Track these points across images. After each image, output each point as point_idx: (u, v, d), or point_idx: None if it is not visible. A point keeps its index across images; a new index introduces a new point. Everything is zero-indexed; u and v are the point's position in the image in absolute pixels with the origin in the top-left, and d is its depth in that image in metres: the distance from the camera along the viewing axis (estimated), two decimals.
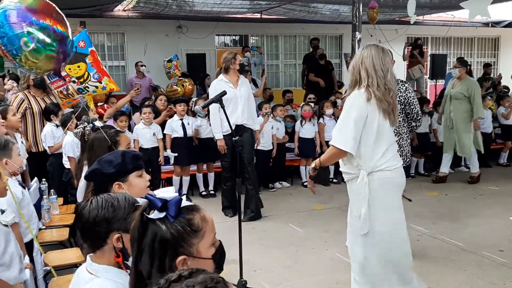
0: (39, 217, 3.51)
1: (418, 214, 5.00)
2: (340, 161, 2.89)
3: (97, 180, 2.00)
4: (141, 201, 1.27)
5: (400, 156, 3.38)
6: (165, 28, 10.57)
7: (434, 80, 10.60)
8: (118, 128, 5.34)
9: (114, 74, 9.73)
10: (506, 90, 9.89)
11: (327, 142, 6.57)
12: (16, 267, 2.28)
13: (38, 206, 3.63)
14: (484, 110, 7.53)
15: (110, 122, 5.39)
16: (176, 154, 5.87)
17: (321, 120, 6.74)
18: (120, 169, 1.94)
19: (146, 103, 6.52)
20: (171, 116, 6.10)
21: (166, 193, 1.24)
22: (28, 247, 2.84)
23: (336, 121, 6.52)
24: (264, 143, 6.18)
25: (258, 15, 10.82)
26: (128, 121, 5.88)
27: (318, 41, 9.83)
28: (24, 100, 5.07)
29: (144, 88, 8.35)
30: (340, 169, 2.95)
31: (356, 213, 2.79)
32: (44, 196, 3.83)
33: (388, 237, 2.74)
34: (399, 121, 3.65)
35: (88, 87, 4.31)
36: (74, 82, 4.24)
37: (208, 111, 6.12)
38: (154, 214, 1.22)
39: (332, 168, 6.73)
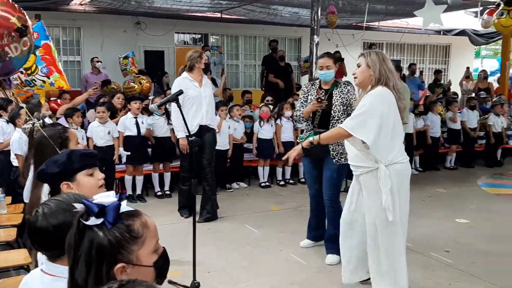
0: None
1: None
2: (351, 155, 3.11)
3: (45, 181, 1.93)
4: (78, 207, 1.22)
5: (342, 155, 3.74)
6: (123, 24, 10.36)
7: None
8: (74, 125, 5.22)
9: (69, 69, 9.45)
10: (454, 96, 10.32)
11: (283, 142, 6.66)
12: None
13: None
14: (433, 115, 7.87)
15: (62, 120, 5.22)
16: (128, 153, 5.74)
17: (278, 121, 6.79)
18: (65, 168, 1.87)
19: (101, 100, 6.36)
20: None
21: (105, 198, 1.20)
22: None
23: (294, 123, 6.65)
24: (221, 143, 6.17)
25: (218, 15, 10.79)
26: (82, 118, 5.72)
27: (276, 43, 9.90)
28: None
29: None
30: (351, 163, 3.13)
31: (378, 203, 2.97)
32: None
33: (403, 224, 3.04)
34: (341, 120, 3.75)
35: (35, 80, 4.16)
36: (21, 72, 4.08)
37: (166, 110, 6.09)
38: (91, 221, 1.17)
39: (288, 170, 6.81)
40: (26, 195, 2.46)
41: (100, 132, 5.61)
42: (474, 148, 8.37)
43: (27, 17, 2.79)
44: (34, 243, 1.50)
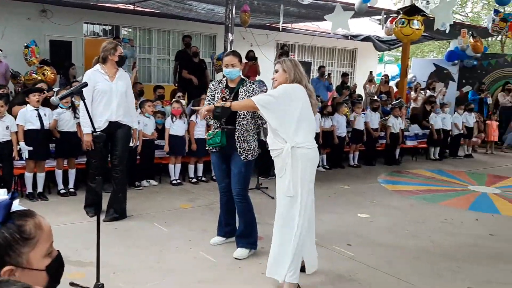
0: None
1: None
2: (269, 141, 3.44)
3: None
4: None
5: (249, 151, 3.88)
6: (27, 11, 9.68)
7: None
8: None
9: None
10: (359, 98, 10.94)
11: (197, 139, 6.62)
12: None
13: None
14: (339, 116, 8.29)
15: None
16: (30, 148, 5.34)
17: (192, 118, 6.74)
18: None
19: (0, 91, 5.87)
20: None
21: None
22: None
23: (207, 120, 6.64)
24: None
25: (131, 7, 10.45)
26: None
27: (190, 39, 9.82)
28: None
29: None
30: (269, 148, 3.44)
31: (280, 176, 3.36)
32: None
33: (306, 201, 3.33)
34: (247, 118, 3.86)
35: None
36: None
37: (72, 103, 5.77)
38: None
39: (200, 167, 6.80)
40: None
41: None
42: (375, 148, 8.95)
43: None
44: None
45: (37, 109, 5.42)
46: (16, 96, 6.63)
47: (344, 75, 11.91)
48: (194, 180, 6.73)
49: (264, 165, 6.64)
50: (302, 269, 3.51)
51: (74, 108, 5.73)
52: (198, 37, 12.53)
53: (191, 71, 9.33)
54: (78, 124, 5.43)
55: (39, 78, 7.50)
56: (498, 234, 4.96)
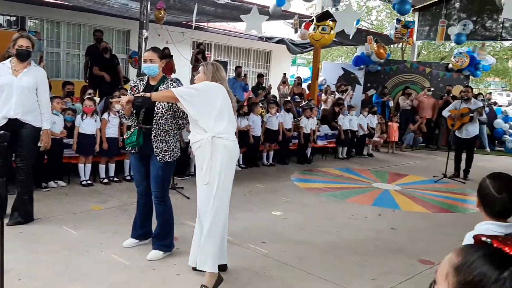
0: None
1: (194, 210, 5.26)
2: (190, 137, 3.53)
3: None
4: None
5: (166, 152, 3.85)
6: None
7: None
8: None
9: None
10: (274, 99, 11.22)
11: (109, 139, 6.40)
12: None
13: None
14: (254, 116, 8.46)
15: None
16: None
17: (104, 116, 6.50)
18: None
19: None
20: None
21: None
22: None
23: (120, 119, 6.45)
24: None
25: None
26: None
27: (101, 34, 9.44)
28: None
29: None
30: (191, 143, 3.55)
31: (200, 166, 3.45)
32: None
33: (222, 193, 3.45)
34: (166, 118, 3.83)
35: None
36: None
37: None
38: None
39: (112, 167, 6.58)
40: None
41: None
42: (288, 147, 9.25)
43: None
44: None
45: None
46: None
47: (260, 76, 12.15)
48: (106, 180, 6.49)
49: (179, 164, 6.58)
50: (223, 268, 3.58)
51: None
52: (111, 32, 12.09)
53: (103, 68, 8.98)
54: None
55: None
56: (398, 228, 5.38)
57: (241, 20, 8.53)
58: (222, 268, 3.61)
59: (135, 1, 8.88)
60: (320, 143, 9.95)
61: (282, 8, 9.35)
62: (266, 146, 8.83)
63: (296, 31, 10.79)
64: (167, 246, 4.01)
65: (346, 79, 13.85)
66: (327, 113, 11.03)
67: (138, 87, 3.98)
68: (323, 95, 12.47)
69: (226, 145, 3.44)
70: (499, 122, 13.48)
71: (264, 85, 12.26)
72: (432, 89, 12.97)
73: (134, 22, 10.37)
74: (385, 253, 4.53)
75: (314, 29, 9.41)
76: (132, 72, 11.10)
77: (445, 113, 8.76)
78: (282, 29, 13.90)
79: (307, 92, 12.33)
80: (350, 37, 9.58)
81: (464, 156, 8.64)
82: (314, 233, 5.00)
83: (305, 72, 18.89)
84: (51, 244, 4.12)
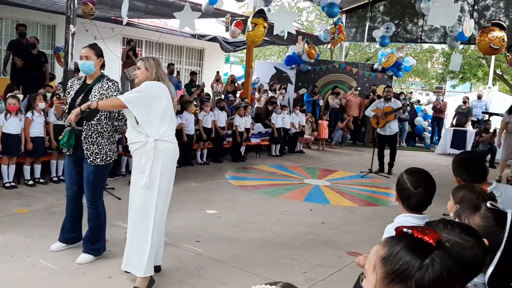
0: None
1: (125, 212, 5.16)
2: (129, 135, 3.46)
3: None
4: None
5: (98, 155, 3.73)
6: None
7: None
8: None
9: None
10: (207, 97, 11.22)
11: (33, 138, 6.10)
12: None
13: None
14: (188, 114, 8.41)
15: None
16: None
17: (28, 115, 6.18)
18: None
19: None
20: None
21: None
22: None
23: (45, 117, 6.19)
24: None
25: None
26: None
27: (25, 28, 8.92)
28: None
29: None
30: (128, 142, 3.49)
31: (141, 170, 3.37)
32: None
33: (166, 195, 3.51)
34: (99, 119, 3.72)
35: None
36: None
37: None
38: None
39: (38, 168, 6.28)
40: None
41: None
42: (222, 145, 9.29)
43: None
44: None
45: None
46: None
47: (193, 73, 12.06)
48: (31, 182, 6.18)
49: None
50: (157, 270, 3.57)
51: None
52: (35, 26, 11.46)
53: (29, 64, 8.49)
54: None
55: None
56: (328, 222, 5.61)
57: (173, 17, 8.42)
58: (156, 269, 3.58)
59: None
60: (253, 141, 10.09)
61: (215, 6, 9.35)
62: (200, 145, 8.81)
63: (227, 30, 10.83)
64: (98, 250, 3.89)
65: (279, 78, 14.12)
66: (260, 112, 11.20)
67: (74, 87, 3.87)
68: (256, 93, 12.63)
69: (168, 147, 3.42)
70: (419, 120, 14.37)
71: (197, 83, 12.19)
72: (359, 88, 13.57)
73: (60, 16, 9.87)
74: (316, 246, 4.70)
75: (251, 28, 9.48)
76: (58, 69, 10.60)
77: (369, 112, 9.19)
78: (215, 27, 13.88)
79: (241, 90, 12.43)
80: (285, 37, 9.76)
81: (387, 152, 9.13)
82: (248, 230, 5.08)
83: (238, 71, 18.99)
84: None
